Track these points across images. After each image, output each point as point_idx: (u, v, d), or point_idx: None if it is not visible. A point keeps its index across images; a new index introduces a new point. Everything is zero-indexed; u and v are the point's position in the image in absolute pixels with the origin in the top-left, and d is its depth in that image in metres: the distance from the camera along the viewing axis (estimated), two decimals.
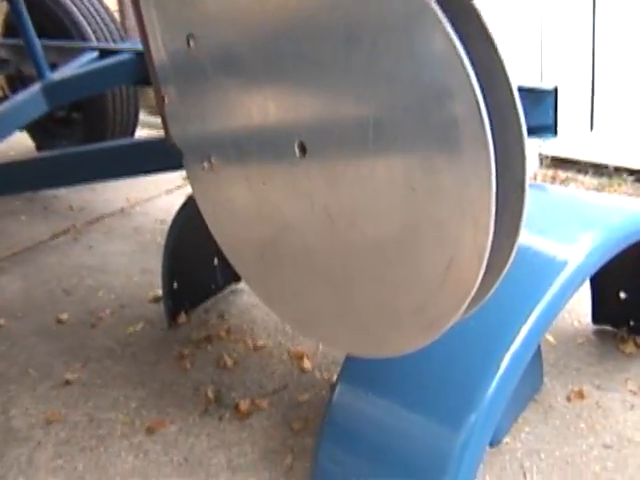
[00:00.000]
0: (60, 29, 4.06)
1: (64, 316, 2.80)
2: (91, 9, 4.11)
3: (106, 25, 4.12)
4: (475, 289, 1.13)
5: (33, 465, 2.03)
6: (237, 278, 2.83)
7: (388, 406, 1.64)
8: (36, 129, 4.31)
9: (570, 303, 1.69)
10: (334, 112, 1.22)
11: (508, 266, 1.18)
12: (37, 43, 3.39)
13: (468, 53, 1.00)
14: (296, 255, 1.43)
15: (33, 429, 2.17)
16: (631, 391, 2.13)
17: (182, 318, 2.67)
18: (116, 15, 4.55)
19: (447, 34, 1.00)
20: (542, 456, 1.92)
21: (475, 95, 0.99)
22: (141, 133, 4.49)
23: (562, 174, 3.91)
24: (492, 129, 1.01)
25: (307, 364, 2.36)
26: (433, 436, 1.56)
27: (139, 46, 3.17)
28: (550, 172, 3.92)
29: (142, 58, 3.17)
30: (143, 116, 4.61)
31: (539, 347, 2.03)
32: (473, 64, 1.00)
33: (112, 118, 4.12)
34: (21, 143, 4.51)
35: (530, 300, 1.57)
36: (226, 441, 2.06)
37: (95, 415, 2.21)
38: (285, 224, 1.41)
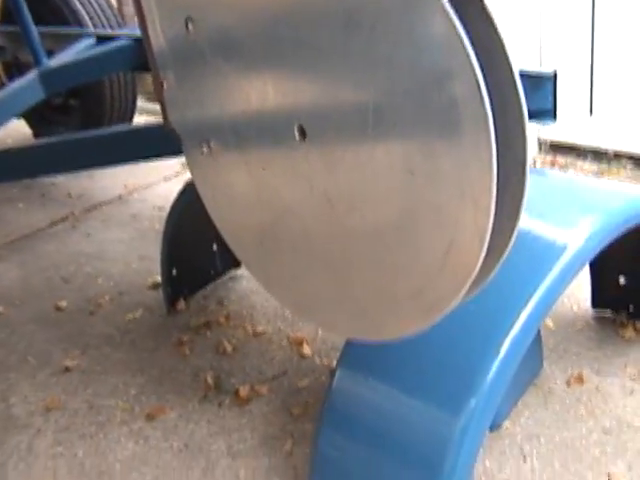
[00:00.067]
0: (57, 15, 4.05)
1: (63, 303, 2.80)
2: None
3: (103, 11, 4.11)
4: (476, 272, 1.12)
5: (33, 452, 2.03)
6: (236, 264, 2.83)
7: (388, 391, 1.64)
8: (33, 116, 4.30)
9: (569, 288, 1.68)
10: (333, 97, 1.21)
11: (509, 249, 1.17)
12: (34, 30, 3.38)
13: (468, 33, 0.99)
14: (296, 240, 1.43)
15: (33, 416, 2.17)
16: (630, 376, 2.14)
17: (181, 304, 2.67)
18: (113, 1, 4.52)
19: (446, 14, 0.99)
20: (542, 440, 1.93)
21: (475, 75, 0.98)
22: (139, 120, 4.46)
23: (561, 159, 3.90)
24: (492, 109, 1.00)
25: (307, 350, 2.37)
26: (433, 421, 1.56)
27: (136, 32, 3.16)
28: (549, 157, 3.91)
29: (139, 44, 3.16)
30: (141, 102, 4.60)
31: (539, 332, 2.03)
32: (473, 44, 0.99)
33: (110, 105, 4.10)
34: (18, 130, 4.50)
35: (530, 285, 1.57)
36: (226, 427, 2.07)
37: (95, 402, 2.22)
38: (285, 209, 1.40)
